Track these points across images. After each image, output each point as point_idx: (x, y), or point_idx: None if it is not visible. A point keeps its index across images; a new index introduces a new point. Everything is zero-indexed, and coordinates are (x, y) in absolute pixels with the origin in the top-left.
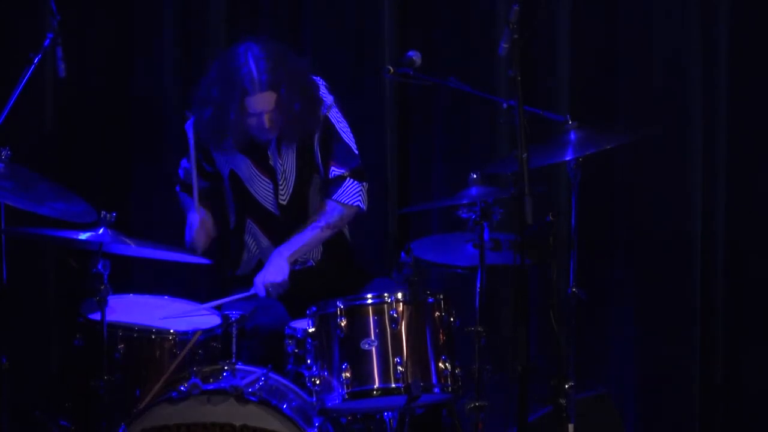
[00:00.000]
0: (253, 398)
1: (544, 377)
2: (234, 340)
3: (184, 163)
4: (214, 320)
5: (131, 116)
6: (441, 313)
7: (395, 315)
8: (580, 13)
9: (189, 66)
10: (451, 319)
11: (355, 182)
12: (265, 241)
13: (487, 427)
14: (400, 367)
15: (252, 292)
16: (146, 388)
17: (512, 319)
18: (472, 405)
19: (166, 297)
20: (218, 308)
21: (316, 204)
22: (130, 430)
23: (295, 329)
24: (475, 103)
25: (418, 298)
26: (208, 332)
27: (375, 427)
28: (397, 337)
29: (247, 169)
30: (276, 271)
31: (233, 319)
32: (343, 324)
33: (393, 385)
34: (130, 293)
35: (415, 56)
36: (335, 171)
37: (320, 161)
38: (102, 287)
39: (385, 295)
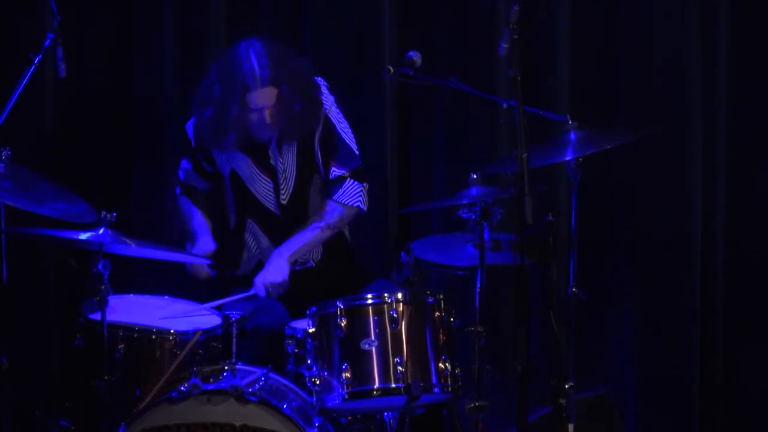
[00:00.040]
0: (253, 398)
1: (544, 377)
2: (234, 340)
3: (184, 163)
4: (215, 320)
5: (131, 116)
6: (441, 313)
7: (395, 315)
8: (580, 13)
9: (189, 66)
10: (451, 319)
11: (356, 183)
12: (265, 241)
13: (487, 427)
14: (400, 367)
15: (252, 292)
16: (146, 388)
17: (512, 319)
18: (472, 405)
19: (166, 297)
20: (218, 308)
21: (317, 204)
22: (130, 430)
23: (295, 329)
24: (475, 103)
25: (418, 298)
26: (208, 332)
27: (375, 427)
28: (397, 337)
29: (247, 168)
30: (276, 271)
31: (233, 319)
32: (343, 324)
33: (393, 385)
34: (130, 293)
35: (415, 56)
36: (336, 171)
37: (321, 161)
38: (102, 287)
39: (385, 295)
